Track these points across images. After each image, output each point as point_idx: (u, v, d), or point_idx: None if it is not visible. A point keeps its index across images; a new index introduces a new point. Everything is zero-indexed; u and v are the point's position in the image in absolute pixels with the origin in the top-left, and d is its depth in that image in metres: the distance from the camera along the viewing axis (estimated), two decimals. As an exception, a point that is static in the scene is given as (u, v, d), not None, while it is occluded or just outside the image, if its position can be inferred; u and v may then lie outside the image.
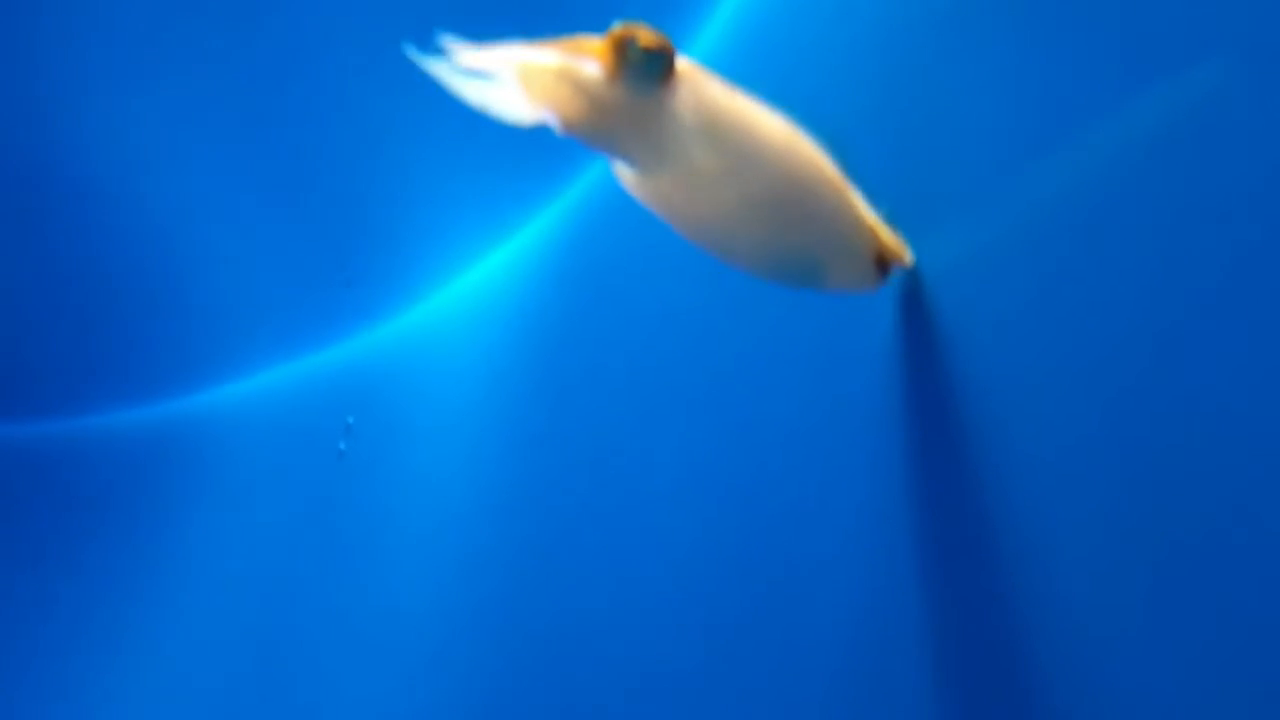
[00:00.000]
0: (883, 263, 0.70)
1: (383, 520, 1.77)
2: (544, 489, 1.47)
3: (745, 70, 0.95)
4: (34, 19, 1.47)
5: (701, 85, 0.62)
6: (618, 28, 0.60)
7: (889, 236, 0.70)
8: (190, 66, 1.49)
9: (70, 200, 1.75)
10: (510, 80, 0.60)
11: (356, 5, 1.37)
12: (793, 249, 0.67)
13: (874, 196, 0.70)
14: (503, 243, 1.72)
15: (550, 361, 1.52)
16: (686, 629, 1.06)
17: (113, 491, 2.17)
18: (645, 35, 0.59)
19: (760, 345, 0.99)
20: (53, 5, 1.45)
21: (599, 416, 1.35)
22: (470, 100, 0.60)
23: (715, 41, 1.10)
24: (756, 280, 0.99)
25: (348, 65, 1.48)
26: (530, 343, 1.57)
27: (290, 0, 1.39)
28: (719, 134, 0.62)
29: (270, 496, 1.99)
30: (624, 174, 0.64)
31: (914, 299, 0.72)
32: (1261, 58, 0.48)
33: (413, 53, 0.60)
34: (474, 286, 1.78)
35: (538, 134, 1.54)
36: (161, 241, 1.82)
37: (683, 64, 0.62)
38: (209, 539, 2.04)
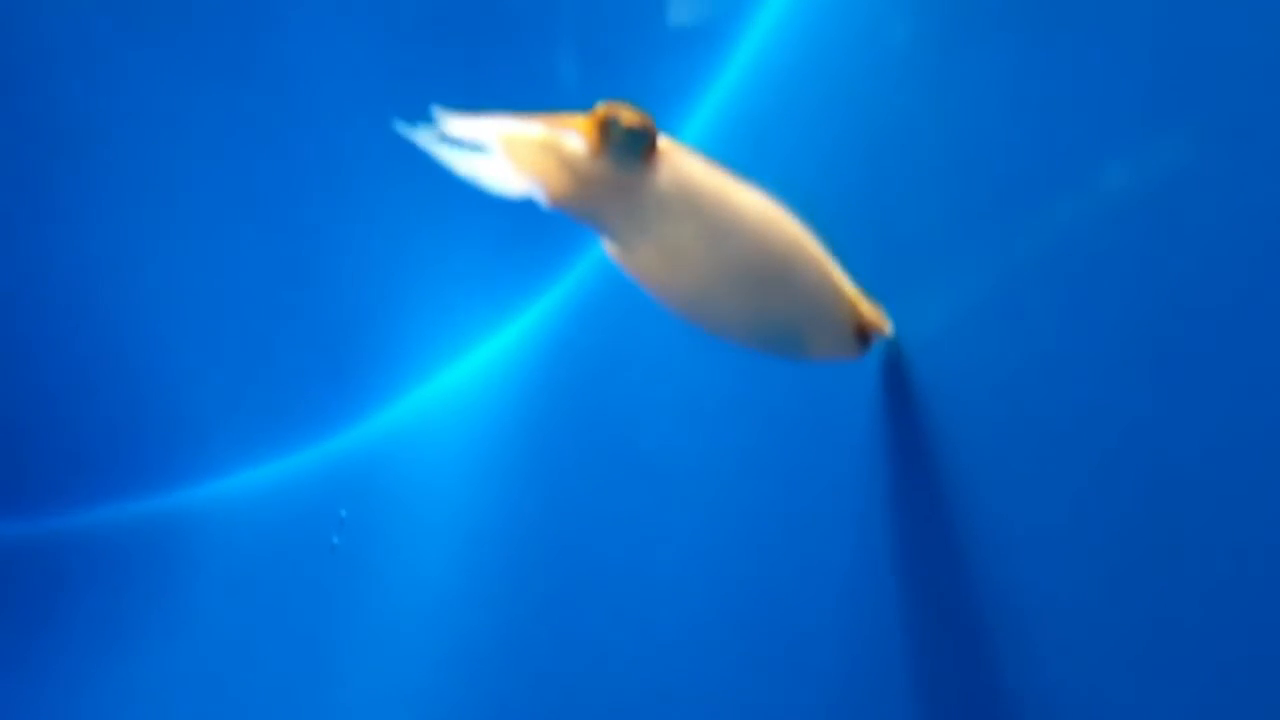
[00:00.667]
0: (863, 333, 0.71)
1: (376, 612, 1.76)
2: (537, 579, 1.47)
3: (733, 149, 0.97)
4: (34, 133, 1.49)
5: (681, 161, 0.64)
6: (602, 106, 0.62)
7: (868, 307, 0.72)
8: (181, 158, 1.51)
9: (59, 296, 1.76)
10: (497, 151, 0.61)
11: (348, 99, 1.39)
12: (773, 319, 0.69)
13: (853, 269, 0.72)
14: (491, 335, 1.74)
15: (540, 451, 1.53)
16: (680, 714, 1.05)
17: (106, 587, 2.16)
18: (628, 114, 0.62)
19: (749, 430, 1.00)
20: (50, 114, 1.47)
21: (590, 506, 1.36)
22: (459, 171, 0.62)
23: (706, 123, 1.12)
24: (744, 366, 1.01)
25: (340, 160, 1.50)
26: (520, 433, 1.58)
27: (280, 92, 1.41)
28: (698, 207, 0.64)
29: (264, 589, 1.98)
30: (609, 245, 0.66)
31: (895, 368, 0.74)
32: (1221, 133, 0.50)
33: (402, 124, 0.61)
34: (463, 379, 1.79)
35: (526, 228, 1.57)
36: (153, 336, 1.83)
37: (663, 141, 0.64)
38: (202, 633, 2.02)
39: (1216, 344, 0.50)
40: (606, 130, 0.62)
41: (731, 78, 1.13)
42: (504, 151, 0.61)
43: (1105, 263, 0.57)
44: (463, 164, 0.62)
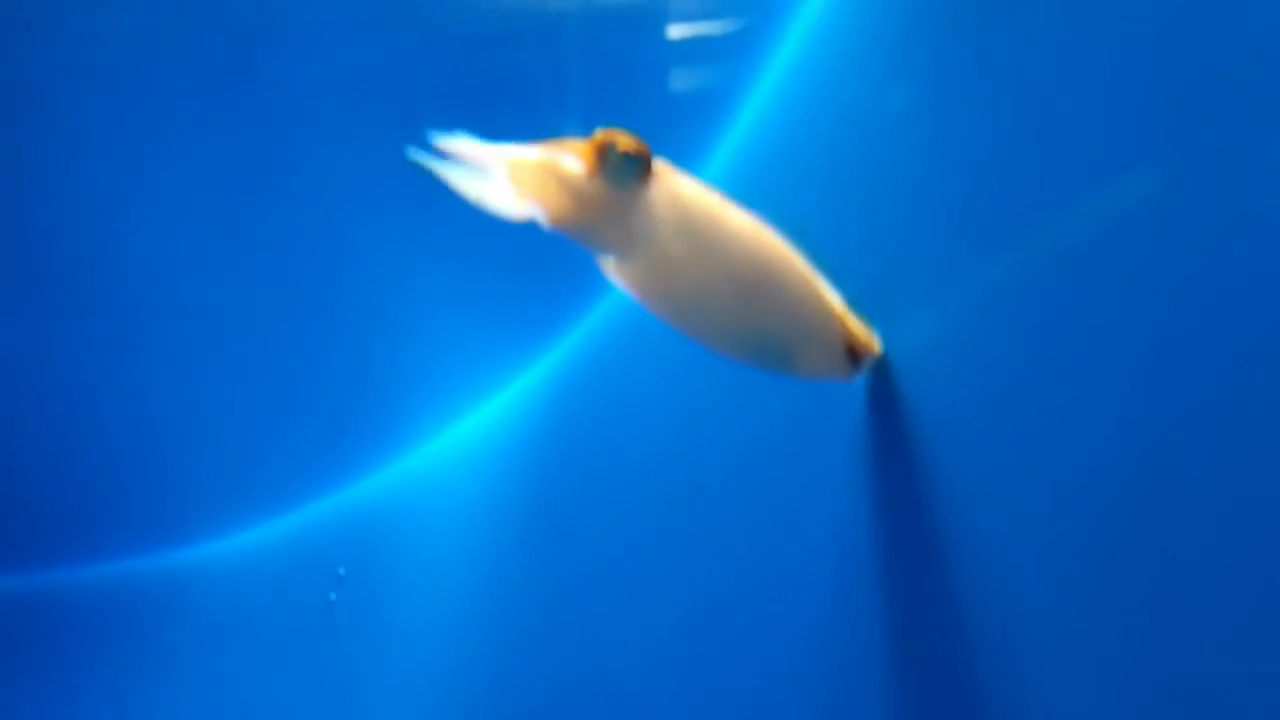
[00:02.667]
0: (853, 352, 0.74)
1: (374, 670, 1.75)
2: (536, 638, 1.46)
3: (747, 185, 1.00)
4: (38, 189, 1.50)
5: (675, 183, 0.68)
6: (599, 133, 0.65)
7: (857, 326, 0.74)
8: (185, 214, 1.52)
9: (62, 352, 1.77)
10: (500, 175, 0.64)
11: (354, 157, 1.40)
12: (763, 333, 0.71)
13: (844, 288, 0.74)
14: (491, 394, 1.74)
15: (540, 511, 1.53)
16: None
17: (105, 644, 2.15)
18: (624, 140, 0.65)
19: (752, 485, 1.01)
20: (49, 165, 1.48)
21: (591, 564, 1.36)
22: (464, 194, 0.65)
23: (727, 159, 1.15)
24: (738, 423, 1.03)
25: (344, 217, 1.52)
26: (520, 493, 1.58)
27: (283, 149, 1.42)
28: (690, 225, 0.67)
29: (261, 646, 1.97)
30: (605, 264, 0.68)
31: (882, 386, 0.76)
32: (1194, 164, 0.52)
33: (411, 150, 0.64)
34: (463, 437, 1.79)
35: (528, 287, 1.58)
36: (152, 392, 1.84)
37: (658, 164, 0.67)
38: (199, 690, 2.01)
39: (1201, 363, 0.51)
40: (604, 154, 0.65)
41: (734, 141, 1.15)
42: (506, 175, 0.64)
43: (1091, 282, 0.58)
44: (468, 187, 0.65)
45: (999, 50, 0.68)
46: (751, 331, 0.71)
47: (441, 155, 0.65)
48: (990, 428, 0.65)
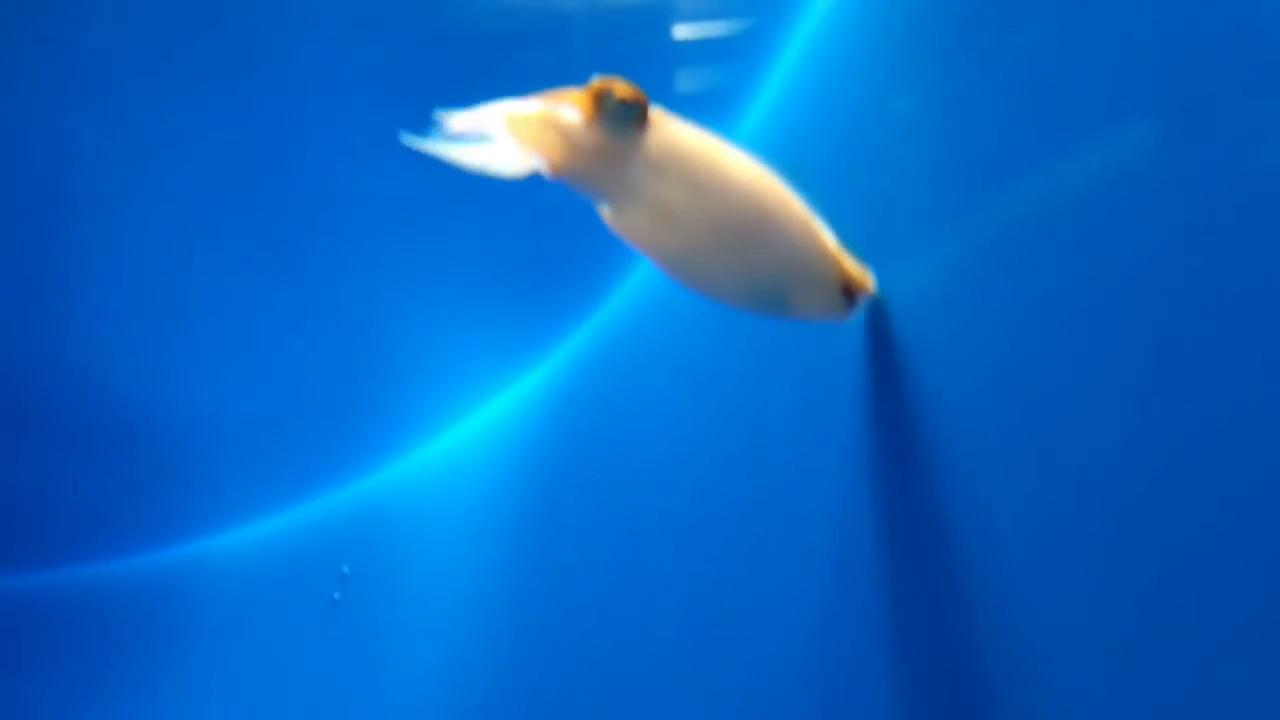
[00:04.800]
0: (848, 291, 0.75)
1: (377, 667, 1.75)
2: (538, 635, 1.46)
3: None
4: (43, 190, 1.50)
5: (671, 128, 0.69)
6: (596, 80, 0.67)
7: (852, 265, 0.75)
8: (189, 219, 1.52)
9: (68, 352, 1.77)
10: (501, 134, 0.66)
11: (359, 162, 1.40)
12: (760, 275, 0.72)
13: (840, 229, 0.75)
14: (493, 395, 1.74)
15: (541, 510, 1.53)
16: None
17: (110, 639, 2.16)
18: (620, 87, 0.67)
19: (749, 488, 1.00)
20: (57, 166, 1.48)
21: (590, 564, 1.36)
22: (468, 165, 0.65)
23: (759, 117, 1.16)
24: (737, 424, 1.03)
25: (349, 221, 1.52)
26: (521, 492, 1.58)
27: (290, 151, 1.42)
28: (687, 169, 0.68)
29: (264, 647, 1.97)
30: (605, 212, 0.69)
31: (880, 331, 0.77)
32: (1183, 117, 0.53)
33: (409, 135, 0.65)
34: (465, 437, 1.79)
35: (530, 291, 1.57)
36: (156, 395, 1.84)
37: (654, 111, 0.68)
38: (204, 684, 2.02)
39: (1189, 308, 0.52)
40: (601, 102, 0.66)
41: (741, 141, 1.15)
42: (508, 132, 0.65)
43: (1085, 229, 0.59)
44: (471, 158, 0.66)
45: (999, 26, 0.69)
46: (748, 273, 0.72)
47: (439, 133, 0.66)
48: (989, 370, 0.67)
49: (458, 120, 0.66)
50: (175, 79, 1.31)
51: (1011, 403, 0.64)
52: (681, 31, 1.21)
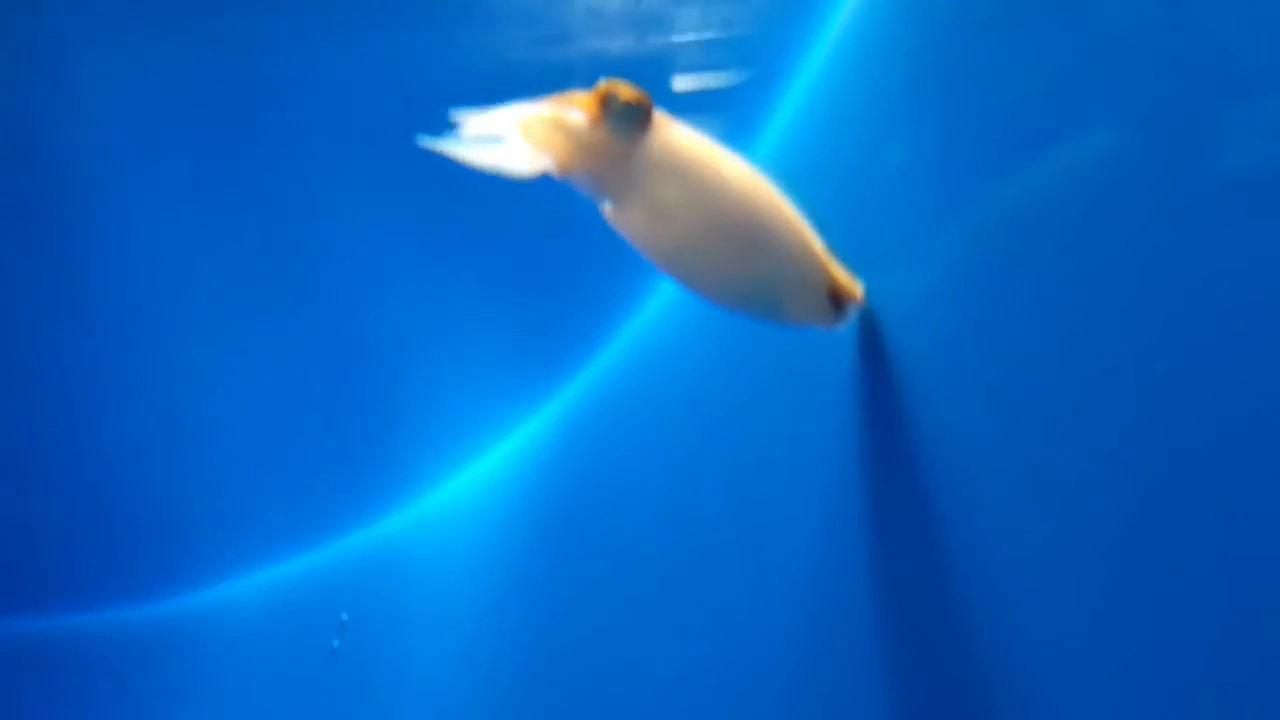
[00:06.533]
0: (837, 298, 0.77)
1: (377, 715, 1.74)
2: (537, 684, 1.45)
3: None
4: (47, 237, 1.51)
5: (672, 131, 0.72)
6: (602, 83, 0.70)
7: (841, 272, 0.77)
8: (192, 267, 1.53)
9: (71, 401, 1.78)
10: (513, 135, 0.69)
11: (362, 218, 1.41)
12: (751, 276, 0.75)
13: (831, 239, 0.77)
14: (491, 446, 1.75)
15: (541, 559, 1.52)
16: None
17: (111, 687, 2.15)
18: (625, 90, 0.70)
19: (748, 535, 1.00)
20: (61, 215, 1.48)
21: (592, 611, 1.35)
22: (482, 166, 0.69)
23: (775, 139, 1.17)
24: (734, 467, 1.03)
25: (353, 273, 1.52)
26: (522, 541, 1.58)
27: (293, 203, 1.43)
28: (686, 172, 0.71)
29: (265, 693, 1.96)
30: (607, 209, 0.72)
31: (873, 344, 0.79)
32: (1148, 124, 0.55)
33: (424, 137, 0.68)
34: (466, 486, 1.79)
35: (528, 343, 1.57)
36: (161, 442, 1.84)
37: (658, 114, 0.71)
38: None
39: (1164, 305, 0.53)
40: (606, 103, 0.69)
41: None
42: (520, 133, 0.69)
43: (1069, 236, 0.61)
44: (484, 159, 0.69)
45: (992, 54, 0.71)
46: (740, 273, 0.75)
47: (454, 134, 0.69)
48: (981, 381, 0.68)
49: (473, 121, 0.69)
50: (177, 141, 1.33)
51: (1002, 415, 0.66)
52: (680, 83, 1.22)
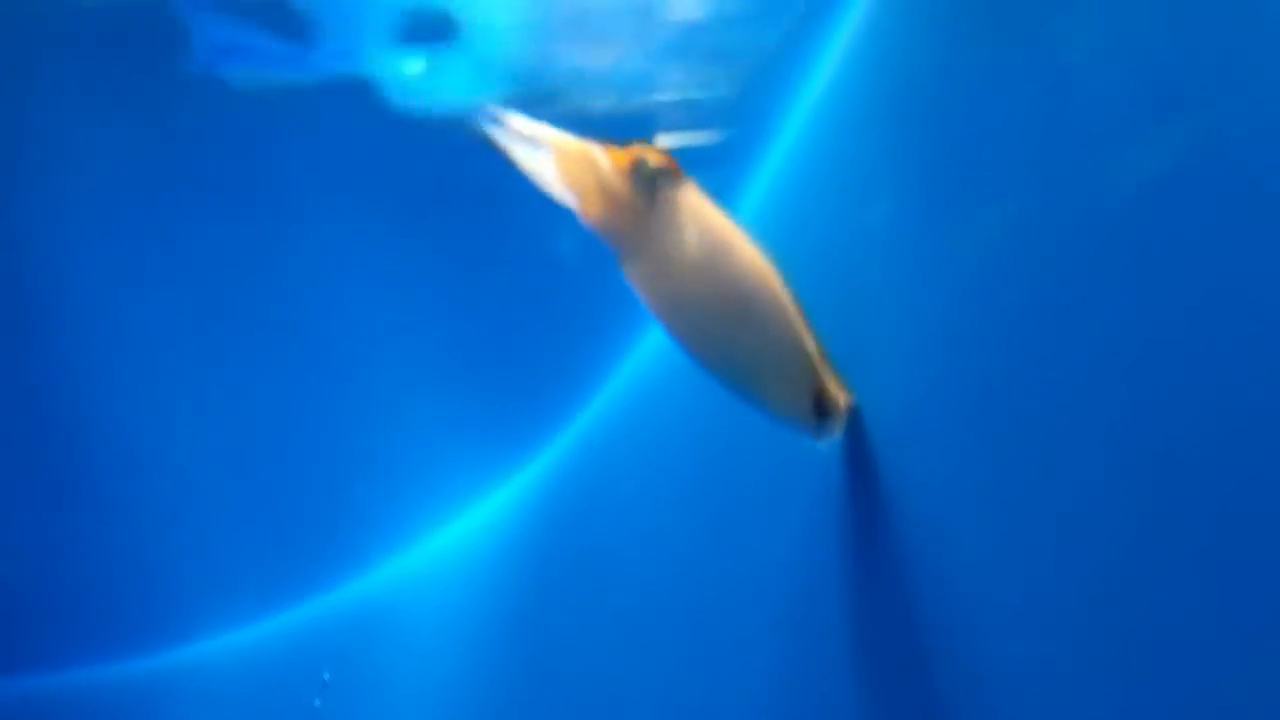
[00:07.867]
0: (820, 402, 0.78)
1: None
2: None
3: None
4: (38, 306, 1.51)
5: (696, 199, 0.75)
6: (635, 147, 0.74)
7: (829, 375, 0.78)
8: (183, 329, 1.53)
9: (53, 459, 1.77)
10: (547, 152, 0.72)
11: (343, 269, 1.42)
12: (739, 353, 0.77)
13: (810, 297, 0.78)
14: (476, 502, 1.74)
15: (523, 617, 1.52)
16: None
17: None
18: (654, 156, 0.74)
19: (732, 598, 1.00)
20: (49, 286, 1.49)
21: (573, 672, 1.34)
22: (519, 162, 0.72)
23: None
24: (717, 531, 1.03)
25: (335, 335, 1.53)
26: (503, 599, 1.57)
27: (279, 266, 1.43)
28: (702, 238, 0.74)
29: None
30: (622, 260, 0.75)
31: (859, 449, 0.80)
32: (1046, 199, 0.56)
33: (472, 121, 0.71)
34: (447, 544, 1.79)
35: (512, 400, 1.57)
36: (143, 500, 1.83)
37: (684, 179, 0.75)
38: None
39: (1168, 425, 0.54)
40: (636, 166, 0.73)
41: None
42: (553, 154, 0.72)
43: (1042, 298, 0.62)
44: (524, 157, 0.72)
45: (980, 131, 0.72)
46: (730, 349, 0.77)
47: (503, 125, 0.72)
48: (962, 477, 0.69)
49: (516, 121, 0.72)
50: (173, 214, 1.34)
51: (976, 467, 0.67)
52: (663, 142, 1.23)
